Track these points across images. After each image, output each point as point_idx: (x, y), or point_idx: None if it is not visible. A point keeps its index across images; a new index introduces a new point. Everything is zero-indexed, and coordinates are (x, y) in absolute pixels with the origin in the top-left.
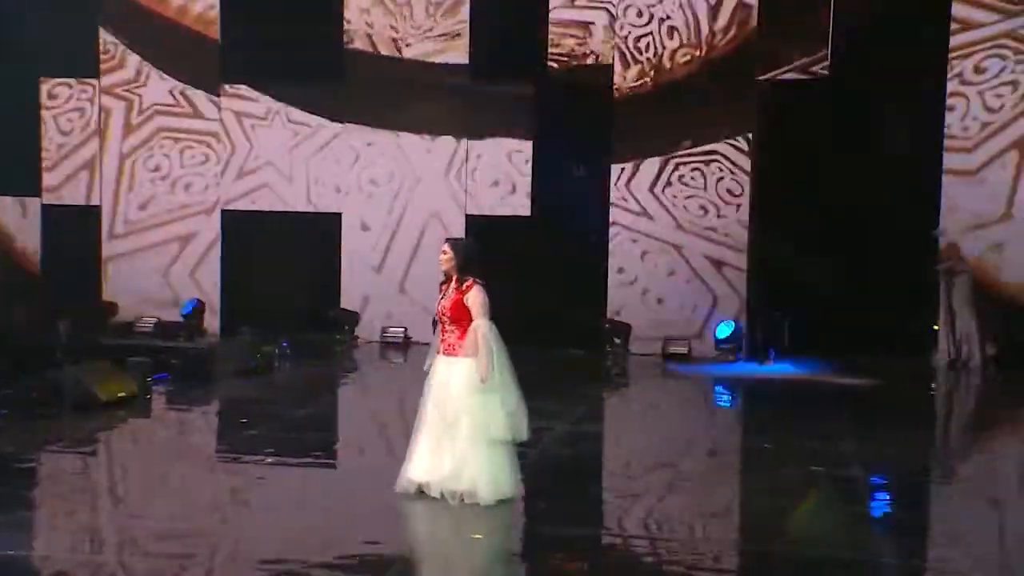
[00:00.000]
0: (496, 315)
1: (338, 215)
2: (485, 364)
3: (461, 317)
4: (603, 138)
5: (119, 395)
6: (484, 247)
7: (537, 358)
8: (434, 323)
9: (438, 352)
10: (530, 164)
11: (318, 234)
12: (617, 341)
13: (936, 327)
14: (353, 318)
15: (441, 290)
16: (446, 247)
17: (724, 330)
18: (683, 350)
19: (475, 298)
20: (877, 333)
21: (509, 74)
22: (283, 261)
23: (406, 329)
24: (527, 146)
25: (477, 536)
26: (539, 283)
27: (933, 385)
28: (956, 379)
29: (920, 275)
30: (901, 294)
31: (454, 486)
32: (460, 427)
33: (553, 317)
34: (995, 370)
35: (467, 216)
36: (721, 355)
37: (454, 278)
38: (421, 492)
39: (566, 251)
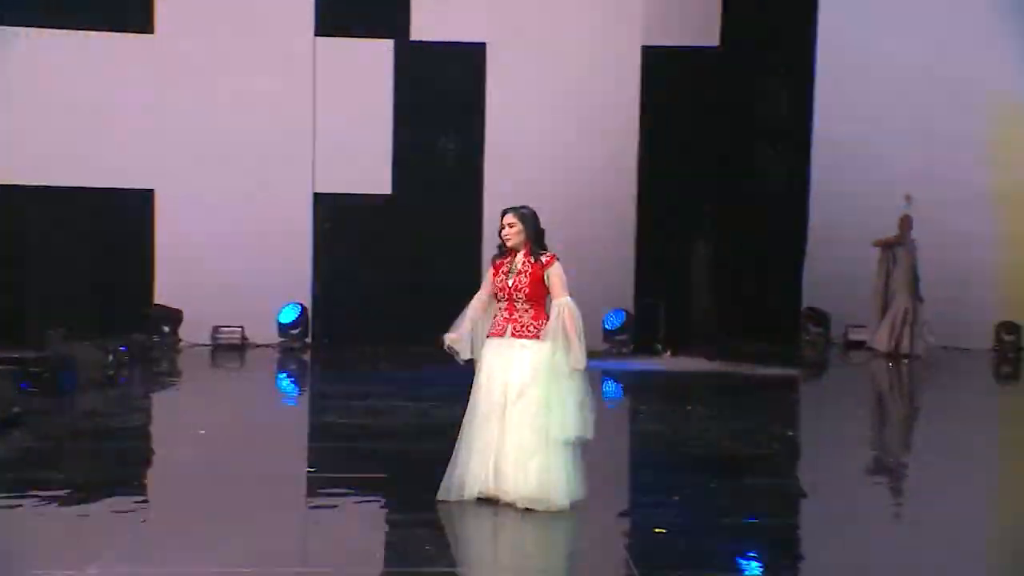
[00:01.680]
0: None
1: (150, 192)
2: (579, 347)
3: (540, 294)
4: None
5: None
6: None
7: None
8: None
9: (493, 335)
10: (391, 137)
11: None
12: None
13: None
14: (172, 316)
15: (498, 265)
16: (512, 218)
17: (614, 320)
18: None
19: (558, 273)
20: (744, 317)
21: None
22: (80, 248)
23: (243, 329)
24: (387, 116)
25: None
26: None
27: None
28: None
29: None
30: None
31: (525, 490)
32: (532, 419)
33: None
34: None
35: (315, 195)
36: (613, 347)
37: (523, 252)
38: (479, 500)
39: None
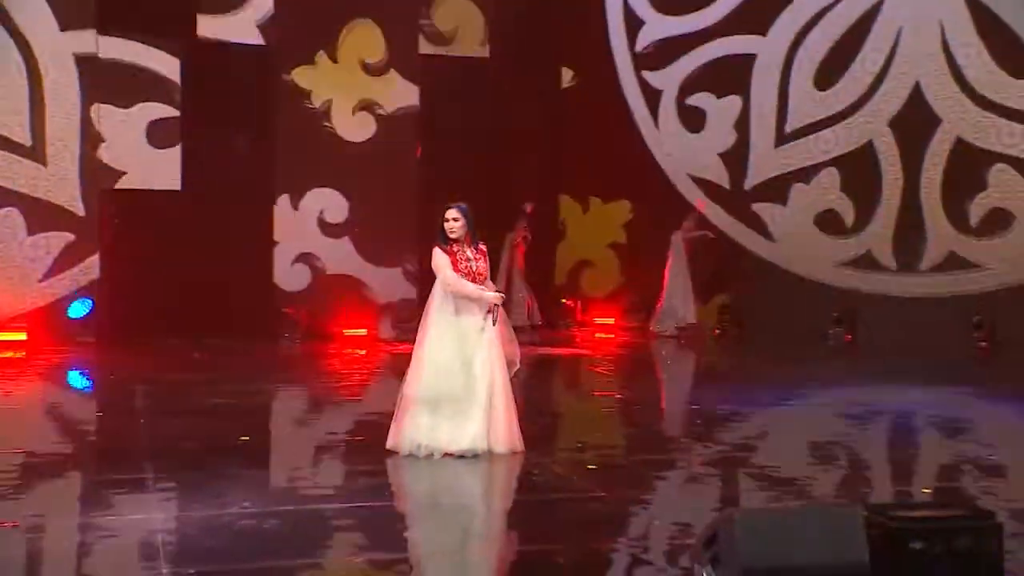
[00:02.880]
0: None
1: None
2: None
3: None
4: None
5: None
6: None
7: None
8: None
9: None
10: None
11: None
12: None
13: None
14: None
15: (451, 253)
16: (456, 213)
17: (79, 309)
18: None
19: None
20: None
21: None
22: None
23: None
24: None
25: None
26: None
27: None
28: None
29: None
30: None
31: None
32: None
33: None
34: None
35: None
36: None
37: (466, 241)
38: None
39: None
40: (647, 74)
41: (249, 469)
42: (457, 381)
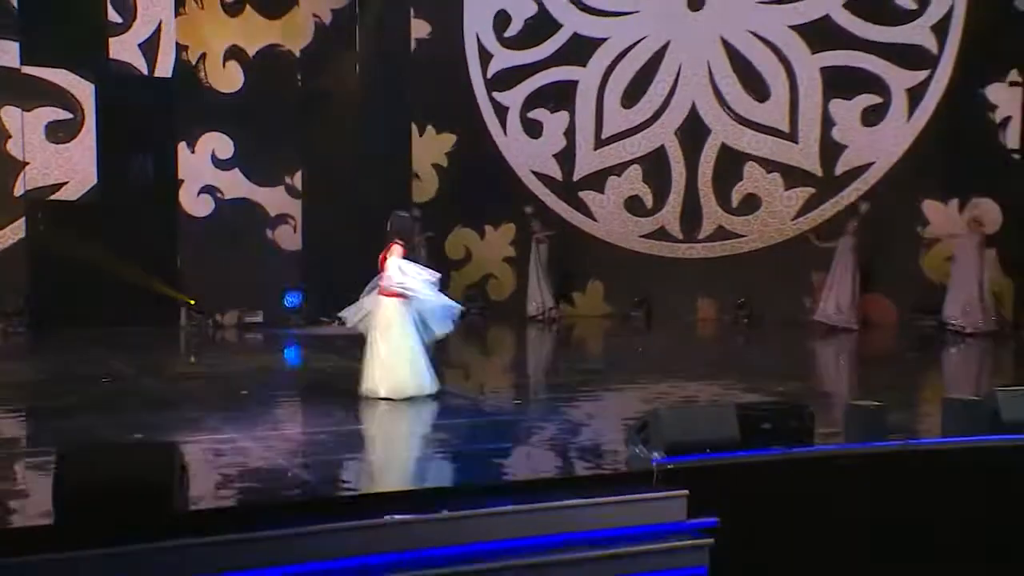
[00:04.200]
0: None
1: None
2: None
3: None
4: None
5: None
6: None
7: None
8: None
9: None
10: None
11: None
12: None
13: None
14: None
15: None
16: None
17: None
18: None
19: None
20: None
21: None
22: None
23: None
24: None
25: None
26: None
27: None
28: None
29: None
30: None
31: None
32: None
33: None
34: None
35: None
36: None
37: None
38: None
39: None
40: (496, 94)
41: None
42: None
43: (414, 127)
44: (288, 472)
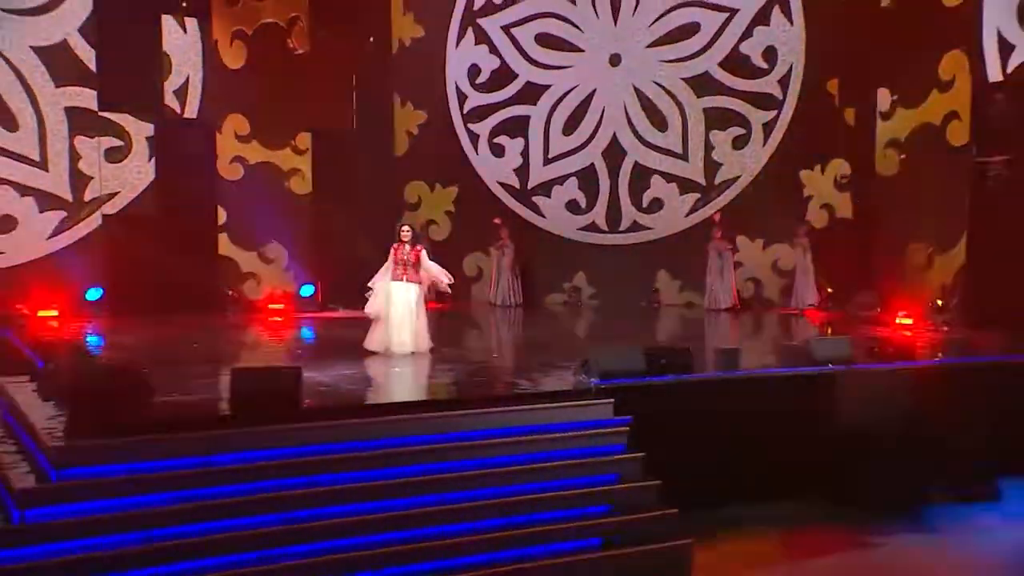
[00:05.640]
0: None
1: None
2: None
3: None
4: None
5: None
6: None
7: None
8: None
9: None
10: None
11: None
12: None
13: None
14: None
15: (396, 250)
16: (408, 229)
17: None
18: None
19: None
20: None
21: None
22: None
23: None
24: None
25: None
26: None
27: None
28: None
29: None
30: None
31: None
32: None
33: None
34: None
35: None
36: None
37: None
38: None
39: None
40: (471, 124)
41: None
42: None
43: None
44: (349, 388)
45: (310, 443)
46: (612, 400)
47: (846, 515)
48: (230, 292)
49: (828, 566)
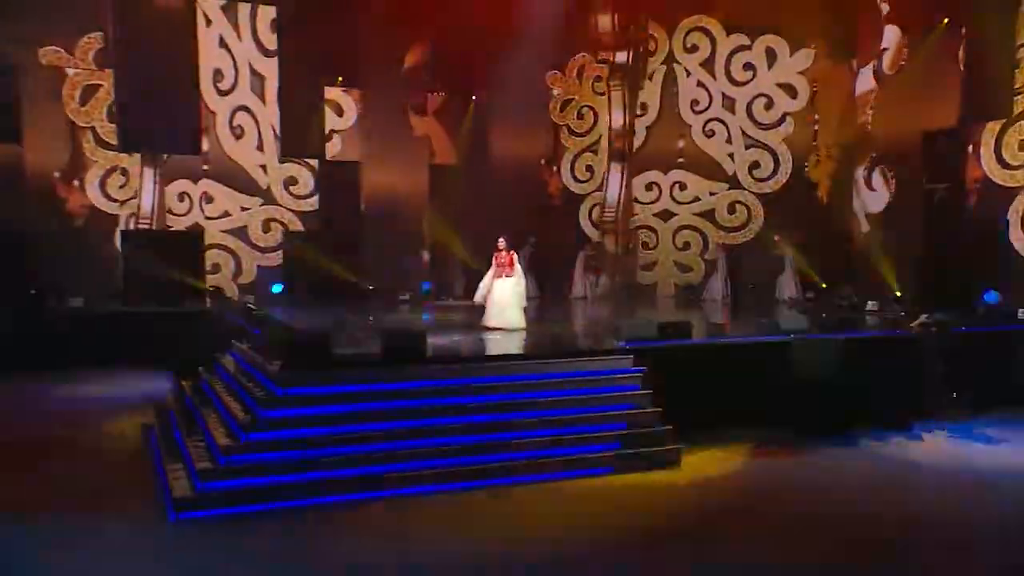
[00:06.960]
0: None
1: None
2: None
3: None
4: None
5: None
6: None
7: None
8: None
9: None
10: None
11: None
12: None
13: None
14: None
15: (497, 257)
16: (503, 242)
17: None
18: None
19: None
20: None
21: None
22: None
23: None
24: None
25: None
26: None
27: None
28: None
29: None
30: None
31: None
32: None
33: None
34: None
35: None
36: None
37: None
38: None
39: None
40: None
41: None
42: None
43: None
44: (458, 345)
45: (433, 379)
46: (631, 356)
47: (797, 439)
48: (371, 288)
49: (775, 464)
